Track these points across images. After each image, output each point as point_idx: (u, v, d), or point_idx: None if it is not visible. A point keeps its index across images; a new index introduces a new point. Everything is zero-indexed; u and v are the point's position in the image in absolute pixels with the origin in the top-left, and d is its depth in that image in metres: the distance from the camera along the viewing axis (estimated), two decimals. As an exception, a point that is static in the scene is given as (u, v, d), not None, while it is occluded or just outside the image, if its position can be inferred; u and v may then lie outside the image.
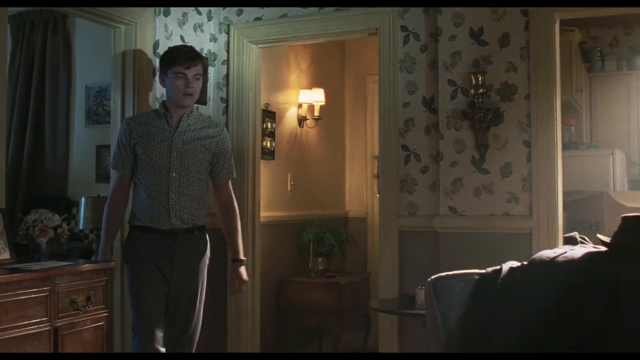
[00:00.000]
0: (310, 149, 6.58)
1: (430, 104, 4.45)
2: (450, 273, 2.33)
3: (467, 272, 2.37)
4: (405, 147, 4.52)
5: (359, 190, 7.18)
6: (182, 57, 3.60)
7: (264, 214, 5.41)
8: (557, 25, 4.22)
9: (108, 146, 4.68)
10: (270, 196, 5.76)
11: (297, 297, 5.85)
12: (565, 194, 5.15)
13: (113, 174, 3.81)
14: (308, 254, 6.12)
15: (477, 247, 4.20)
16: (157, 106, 4.56)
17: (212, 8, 5.08)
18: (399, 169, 4.53)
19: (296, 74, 6.34)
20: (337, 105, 6.99)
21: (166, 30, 4.68)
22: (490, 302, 2.27)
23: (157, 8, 4.61)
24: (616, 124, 7.27)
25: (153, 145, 3.61)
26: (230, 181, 3.92)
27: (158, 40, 4.62)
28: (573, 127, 6.50)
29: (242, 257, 3.87)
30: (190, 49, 3.71)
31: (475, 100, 4.21)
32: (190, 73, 3.59)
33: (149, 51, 4.57)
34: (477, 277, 2.35)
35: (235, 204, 3.93)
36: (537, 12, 4.16)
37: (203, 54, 4.96)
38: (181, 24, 4.82)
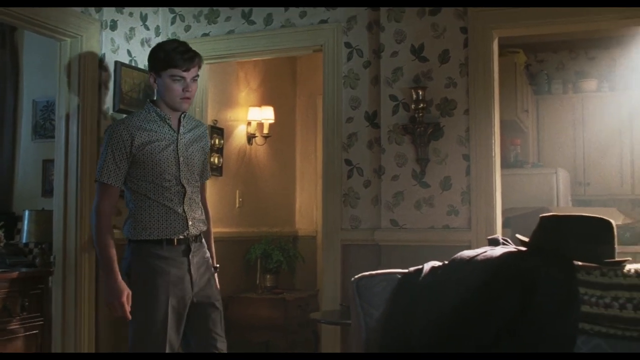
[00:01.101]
0: (259, 166, 6.61)
1: (372, 119, 4.52)
2: (373, 272, 2.37)
3: (390, 271, 2.41)
4: (348, 162, 4.58)
5: (309, 209, 7.21)
6: (179, 58, 3.28)
7: (214, 229, 5.40)
8: (495, 43, 4.32)
9: (52, 160, 4.67)
10: (218, 212, 5.76)
11: (244, 313, 5.85)
12: (509, 210, 5.25)
13: (102, 187, 3.35)
14: (256, 271, 6.13)
15: (417, 259, 4.17)
16: (107, 117, 4.59)
17: (160, 24, 5.12)
18: (342, 183, 4.59)
19: (246, 91, 6.39)
20: (287, 124, 7.04)
21: (112, 44, 4.70)
22: (410, 300, 2.31)
23: (103, 21, 4.62)
24: (562, 144, 7.43)
25: (158, 153, 3.32)
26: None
27: (104, 53, 4.63)
28: (519, 147, 6.62)
29: (216, 264, 3.66)
30: (187, 48, 3.36)
31: (416, 115, 4.29)
32: (188, 76, 3.32)
33: (94, 65, 4.57)
34: (399, 276, 2.39)
35: (207, 206, 3.72)
36: (475, 29, 4.26)
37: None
38: (128, 38, 4.84)
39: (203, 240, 3.53)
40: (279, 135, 6.76)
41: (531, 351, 2.07)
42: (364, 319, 2.25)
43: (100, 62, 4.62)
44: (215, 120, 5.81)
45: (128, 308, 3.25)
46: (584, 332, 2.09)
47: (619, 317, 2.06)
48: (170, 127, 3.39)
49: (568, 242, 2.22)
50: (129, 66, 4.79)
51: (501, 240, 2.62)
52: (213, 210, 5.52)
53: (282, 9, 4.81)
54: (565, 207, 5.90)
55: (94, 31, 4.58)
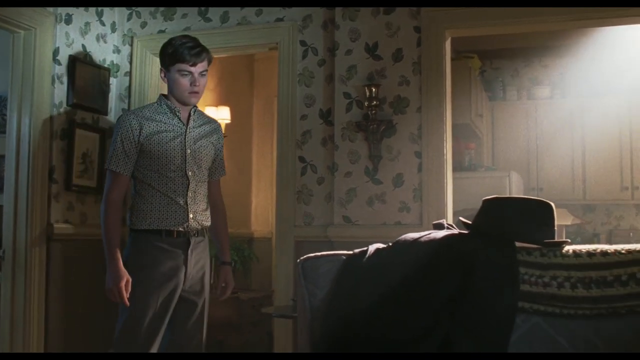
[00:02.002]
0: (215, 166, 6.61)
1: (326, 116, 4.56)
2: (319, 254, 2.39)
3: (335, 252, 2.44)
4: (302, 159, 4.61)
5: (265, 211, 7.22)
6: (186, 53, 3.33)
7: (166, 227, 5.39)
8: (448, 42, 4.39)
9: (3, 156, 4.63)
10: (172, 211, 5.74)
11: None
12: (461, 211, 5.32)
13: (111, 176, 3.40)
14: (210, 271, 6.10)
15: (369, 255, 4.27)
16: (60, 112, 4.55)
17: (116, 20, 5.10)
18: (296, 180, 4.61)
19: (203, 91, 6.39)
20: (244, 125, 7.06)
21: (67, 38, 4.67)
22: (354, 281, 2.33)
23: (58, 15, 4.60)
24: (516, 150, 7.56)
25: (165, 143, 3.37)
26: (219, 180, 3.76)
27: (58, 47, 4.60)
28: (473, 151, 6.70)
29: (229, 259, 3.76)
30: (195, 43, 3.41)
31: (369, 113, 4.33)
32: (196, 70, 3.37)
33: (48, 58, 4.54)
34: (344, 257, 2.42)
35: (224, 204, 3.78)
36: (428, 29, 4.32)
37: (105, 65, 4.98)
38: (83, 33, 4.81)
39: (206, 237, 3.55)
40: (235, 136, 6.76)
41: (471, 329, 2.11)
42: (308, 300, 2.27)
43: (55, 56, 4.58)
44: (171, 119, 5.80)
45: (126, 294, 3.26)
46: (524, 311, 2.14)
47: (557, 296, 2.11)
48: (180, 120, 3.44)
49: (509, 224, 2.27)
50: (83, 61, 4.77)
51: (446, 225, 2.66)
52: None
53: (239, 6, 4.83)
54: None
55: (49, 24, 4.55)
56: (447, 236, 2.41)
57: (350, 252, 2.49)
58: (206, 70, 3.43)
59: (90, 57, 4.86)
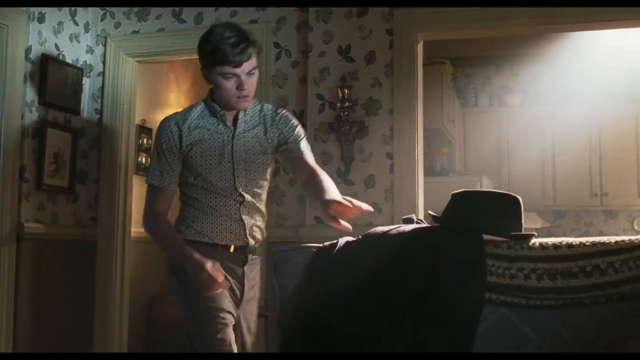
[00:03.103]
0: (188, 169, 6.60)
1: (299, 117, 4.57)
2: (290, 247, 2.41)
3: (306, 245, 2.46)
4: (275, 160, 4.61)
5: (238, 214, 7.21)
6: (229, 52, 2.73)
7: (137, 229, 5.37)
8: (420, 45, 4.43)
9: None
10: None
11: (168, 314, 5.80)
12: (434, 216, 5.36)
13: (154, 190, 2.93)
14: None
15: (341, 256, 4.29)
16: (31, 110, 4.53)
17: (89, 20, 5.09)
18: (270, 181, 4.61)
19: (176, 93, 6.39)
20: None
21: (40, 37, 4.66)
22: (324, 273, 2.35)
23: (31, 13, 4.58)
24: (488, 156, 7.63)
25: (208, 156, 2.90)
26: (312, 156, 3.18)
27: (31, 45, 4.59)
28: (445, 156, 6.76)
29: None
30: (240, 38, 2.77)
31: (342, 114, 4.36)
32: (242, 71, 2.78)
33: (20, 56, 4.53)
34: (315, 250, 2.44)
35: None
36: (400, 31, 4.36)
37: (78, 65, 4.97)
38: (56, 32, 4.80)
39: (257, 256, 3.10)
40: (208, 139, 6.77)
41: (439, 322, 2.13)
42: (278, 291, 2.30)
43: (27, 54, 4.57)
44: (144, 120, 5.79)
45: (220, 275, 2.68)
46: (491, 302, 2.17)
47: (523, 287, 2.15)
48: (226, 125, 2.94)
49: (476, 217, 2.30)
50: (56, 60, 4.76)
51: (415, 220, 2.69)
52: (138, 211, 5.50)
53: (213, 8, 4.84)
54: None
55: (21, 22, 4.53)
56: (415, 229, 2.44)
57: (321, 245, 2.51)
58: (256, 68, 2.86)
59: (63, 56, 4.85)
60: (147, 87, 5.80)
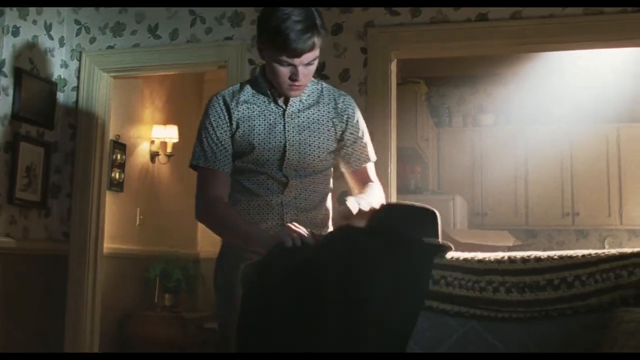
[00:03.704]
0: (162, 184, 6.60)
1: (274, 133, 4.59)
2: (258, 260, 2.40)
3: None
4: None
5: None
6: (291, 41, 2.42)
7: (110, 245, 5.36)
8: (393, 64, 4.48)
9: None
10: (117, 228, 5.72)
11: (140, 331, 5.79)
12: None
13: (200, 174, 2.70)
14: (155, 290, 6.08)
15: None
16: (5, 124, 4.51)
17: (64, 34, 5.09)
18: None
19: (151, 109, 6.40)
20: (192, 144, 7.04)
21: (14, 51, 4.64)
22: (268, 281, 2.26)
23: (5, 26, 4.57)
24: (461, 175, 7.71)
25: (258, 133, 2.63)
26: (372, 165, 2.91)
27: (4, 59, 4.57)
28: (419, 175, 6.81)
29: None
30: (307, 25, 2.43)
31: (316, 131, 4.38)
32: (300, 62, 2.50)
33: (-7, 70, 4.52)
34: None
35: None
36: (374, 50, 4.41)
37: (52, 80, 4.96)
38: (31, 46, 4.79)
39: None
40: (182, 156, 6.75)
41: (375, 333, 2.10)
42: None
43: (0, 67, 4.55)
44: (118, 136, 5.79)
45: (301, 228, 2.33)
46: (461, 315, 2.18)
47: (492, 300, 2.16)
48: (275, 101, 2.68)
49: (396, 227, 2.27)
50: (30, 74, 4.74)
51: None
52: (111, 226, 5.51)
53: (188, 24, 4.86)
54: (459, 229, 6.10)
55: (-5, 36, 4.53)
56: (353, 239, 2.31)
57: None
58: (317, 58, 2.56)
59: (37, 70, 4.84)
60: (122, 102, 5.80)
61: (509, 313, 2.17)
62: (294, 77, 2.52)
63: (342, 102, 2.77)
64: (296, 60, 2.48)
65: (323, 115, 2.71)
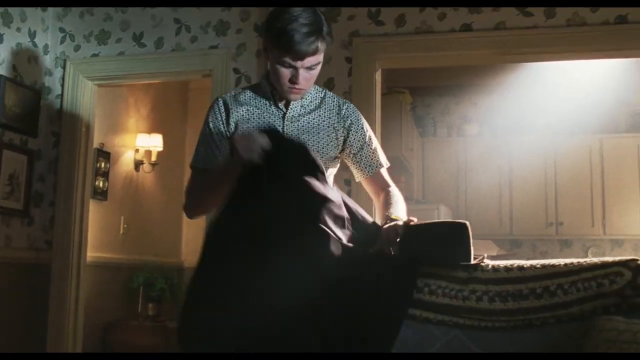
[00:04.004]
0: (146, 193, 6.57)
1: (259, 142, 4.59)
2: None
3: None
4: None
5: (196, 240, 7.17)
6: (295, 43, 2.41)
7: (93, 254, 5.33)
8: (378, 73, 4.49)
9: None
10: (101, 237, 5.69)
11: (123, 341, 5.75)
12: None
13: (195, 174, 2.68)
14: (138, 298, 6.05)
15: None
16: None
17: (49, 42, 5.07)
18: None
19: (135, 118, 6.38)
20: (176, 154, 7.04)
21: (-3, 58, 4.63)
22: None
23: (-12, 35, 4.56)
24: (446, 185, 7.73)
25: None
26: (385, 170, 2.90)
27: (-13, 67, 4.56)
28: (403, 184, 6.81)
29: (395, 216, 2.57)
30: (312, 28, 2.43)
31: (301, 140, 4.38)
32: (302, 65, 2.49)
33: (-23, 77, 4.50)
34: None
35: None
36: (359, 59, 4.42)
37: (36, 87, 4.94)
38: (15, 53, 4.77)
39: None
40: (167, 164, 6.75)
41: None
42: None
43: (-16, 75, 4.54)
44: (102, 144, 5.77)
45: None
46: (444, 324, 2.19)
47: (475, 309, 2.17)
48: (276, 104, 2.66)
49: (422, 251, 2.28)
50: (14, 81, 4.72)
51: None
52: (95, 234, 5.48)
53: (174, 33, 4.86)
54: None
55: (-22, 43, 4.51)
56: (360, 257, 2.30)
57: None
58: (320, 62, 2.56)
59: (21, 78, 4.82)
60: (106, 110, 5.78)
61: (492, 322, 2.18)
62: (294, 79, 2.51)
63: (346, 108, 2.78)
64: (298, 63, 2.47)
65: (324, 121, 2.70)
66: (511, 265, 2.24)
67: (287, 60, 2.47)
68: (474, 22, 4.31)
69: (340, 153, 2.77)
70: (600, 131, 7.58)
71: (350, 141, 2.76)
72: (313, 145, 2.63)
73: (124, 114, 6.25)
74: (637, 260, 2.11)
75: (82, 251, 5.03)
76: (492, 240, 6.30)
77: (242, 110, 2.64)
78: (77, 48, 5.08)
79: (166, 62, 4.90)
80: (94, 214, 5.38)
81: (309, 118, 2.68)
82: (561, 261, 2.21)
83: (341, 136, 2.74)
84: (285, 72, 2.51)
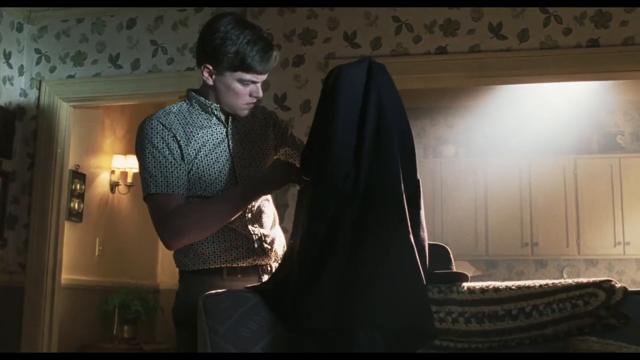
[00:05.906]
0: (122, 215, 6.53)
1: (235, 164, 4.59)
2: (219, 291, 2.39)
3: (236, 290, 2.45)
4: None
5: (172, 262, 7.12)
6: (259, 60, 2.38)
7: (68, 276, 5.29)
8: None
9: None
10: (75, 259, 5.64)
11: (98, 364, 5.69)
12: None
13: (161, 200, 2.38)
14: (113, 321, 5.99)
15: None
16: None
17: (24, 63, 5.05)
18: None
19: (111, 139, 6.35)
20: (153, 175, 7.00)
21: (-29, 79, 4.61)
22: None
23: (-38, 56, 4.54)
24: (425, 205, 7.73)
25: (207, 154, 2.45)
26: None
27: (-38, 88, 4.54)
28: (380, 205, 6.83)
29: None
30: (267, 43, 2.42)
31: (278, 161, 4.39)
32: (262, 78, 2.46)
33: (-49, 98, 4.47)
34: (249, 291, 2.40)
35: None
36: (336, 81, 4.44)
37: (11, 109, 4.91)
38: (-11, 75, 4.76)
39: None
40: (143, 186, 6.71)
41: None
42: (209, 335, 2.27)
43: (-42, 95, 4.51)
44: (77, 165, 5.73)
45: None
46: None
47: (451, 330, 2.17)
48: (218, 118, 2.50)
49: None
50: (-12, 103, 4.70)
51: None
52: (70, 257, 5.43)
53: (150, 54, 4.86)
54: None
55: (-47, 64, 4.48)
56: None
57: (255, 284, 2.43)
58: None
59: (-4, 99, 4.80)
60: (82, 132, 5.75)
61: (468, 343, 2.18)
62: (255, 94, 2.44)
63: (262, 110, 2.70)
64: (260, 77, 2.43)
65: (258, 126, 2.62)
66: (487, 286, 2.25)
67: (249, 78, 2.40)
68: (448, 45, 4.36)
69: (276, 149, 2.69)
70: (574, 152, 7.65)
71: (276, 131, 2.68)
72: (258, 152, 2.56)
73: (100, 135, 6.21)
74: (610, 281, 2.13)
75: (56, 273, 4.99)
76: (468, 261, 6.32)
77: (189, 129, 2.44)
78: (52, 69, 5.07)
79: (142, 84, 4.90)
80: (69, 236, 5.33)
81: (246, 128, 2.57)
82: (536, 282, 2.22)
83: (271, 135, 2.66)
84: (246, 90, 2.42)
